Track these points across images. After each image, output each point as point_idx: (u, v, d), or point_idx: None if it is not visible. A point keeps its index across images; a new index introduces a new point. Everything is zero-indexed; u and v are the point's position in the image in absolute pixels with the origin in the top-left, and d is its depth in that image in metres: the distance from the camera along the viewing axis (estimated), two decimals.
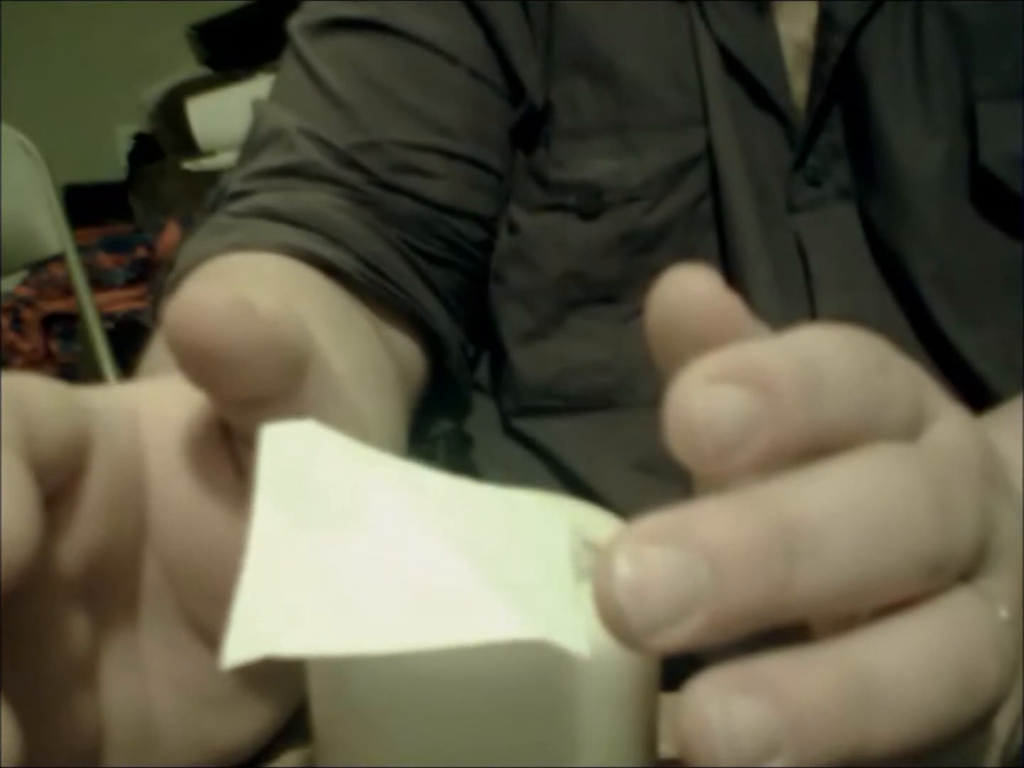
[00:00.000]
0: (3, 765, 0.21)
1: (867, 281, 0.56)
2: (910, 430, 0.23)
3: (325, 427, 0.26)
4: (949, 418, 0.25)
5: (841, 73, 0.55)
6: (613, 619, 0.20)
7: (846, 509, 0.21)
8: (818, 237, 0.56)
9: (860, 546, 0.21)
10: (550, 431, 0.60)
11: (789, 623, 0.21)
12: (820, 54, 0.56)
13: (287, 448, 0.25)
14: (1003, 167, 0.53)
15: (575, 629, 0.22)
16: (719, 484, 0.22)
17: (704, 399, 0.21)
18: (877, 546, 0.21)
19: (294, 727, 0.32)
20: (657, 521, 0.20)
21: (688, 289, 0.23)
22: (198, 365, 0.27)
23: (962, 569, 0.22)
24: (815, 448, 0.22)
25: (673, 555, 0.20)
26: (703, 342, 0.22)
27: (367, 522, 0.24)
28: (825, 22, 0.55)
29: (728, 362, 0.21)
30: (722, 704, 0.19)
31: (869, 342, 0.23)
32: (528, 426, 0.61)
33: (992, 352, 0.53)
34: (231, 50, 2.58)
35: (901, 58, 0.54)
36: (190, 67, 2.66)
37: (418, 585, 0.23)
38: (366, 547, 0.24)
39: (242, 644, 0.21)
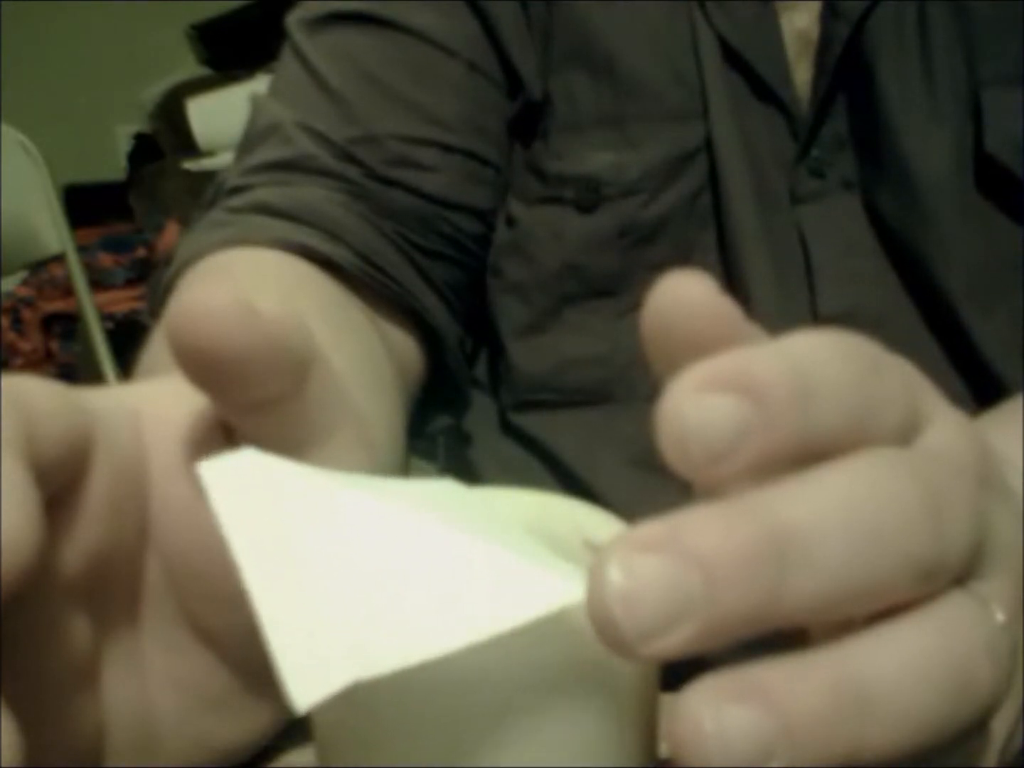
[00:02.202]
0: (4, 766, 0.21)
1: (870, 273, 0.55)
2: (904, 434, 0.23)
3: (262, 452, 0.25)
4: (944, 421, 0.24)
5: (845, 63, 0.55)
6: (605, 628, 0.20)
7: (838, 515, 0.21)
8: (820, 229, 0.56)
9: (852, 552, 0.21)
10: (547, 425, 0.60)
11: (786, 628, 0.21)
12: (824, 44, 0.55)
13: (235, 481, 0.24)
14: (1007, 153, 0.53)
15: None
16: (717, 486, 0.22)
17: (695, 408, 0.21)
18: (869, 552, 0.21)
19: (294, 727, 0.32)
20: (648, 529, 0.20)
21: (684, 293, 0.23)
22: (201, 369, 0.27)
23: (956, 573, 0.22)
24: (808, 454, 0.21)
25: (664, 564, 0.20)
26: (698, 347, 0.22)
27: (352, 532, 0.24)
28: (829, 12, 0.55)
29: (719, 370, 0.21)
30: (716, 711, 0.19)
31: (862, 346, 0.23)
32: (525, 421, 0.61)
33: (1003, 339, 0.53)
34: (231, 50, 2.58)
35: (906, 46, 0.54)
36: (190, 67, 2.65)
37: (440, 578, 0.23)
38: (364, 554, 0.23)
39: (307, 688, 0.21)
